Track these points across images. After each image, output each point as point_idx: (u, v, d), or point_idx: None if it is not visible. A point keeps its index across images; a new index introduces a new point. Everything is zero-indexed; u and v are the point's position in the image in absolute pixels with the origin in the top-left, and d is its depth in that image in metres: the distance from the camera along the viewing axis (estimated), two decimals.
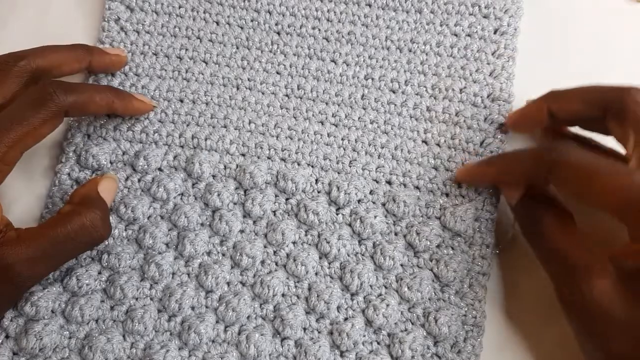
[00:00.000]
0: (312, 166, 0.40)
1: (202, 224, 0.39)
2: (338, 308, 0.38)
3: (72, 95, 0.35)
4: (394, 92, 0.42)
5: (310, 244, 0.39)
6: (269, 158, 0.40)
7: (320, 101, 0.42)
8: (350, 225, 0.39)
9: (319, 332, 0.37)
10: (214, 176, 0.40)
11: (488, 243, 0.38)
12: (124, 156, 0.41)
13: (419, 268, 0.38)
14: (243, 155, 0.41)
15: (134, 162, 0.40)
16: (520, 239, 0.38)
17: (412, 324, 0.37)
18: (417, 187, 0.40)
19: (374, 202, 0.39)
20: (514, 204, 0.36)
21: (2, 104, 0.35)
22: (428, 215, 0.39)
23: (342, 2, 0.43)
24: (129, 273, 0.38)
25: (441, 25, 0.43)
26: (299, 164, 0.40)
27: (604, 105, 0.34)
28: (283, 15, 0.43)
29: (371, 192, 0.40)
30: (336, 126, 0.41)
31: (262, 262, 0.39)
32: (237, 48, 0.43)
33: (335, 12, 0.43)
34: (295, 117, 0.41)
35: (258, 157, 0.40)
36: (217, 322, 0.37)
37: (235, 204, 0.40)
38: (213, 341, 0.37)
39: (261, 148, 0.40)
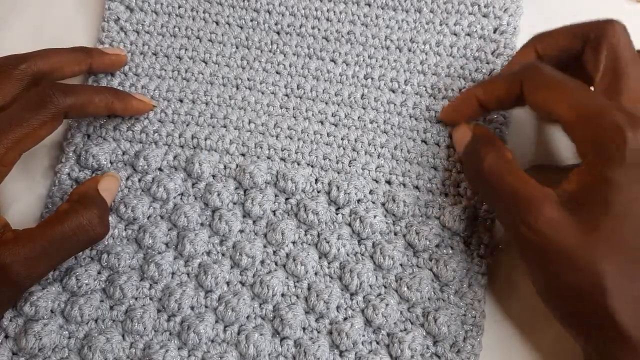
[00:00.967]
0: (312, 166, 0.40)
1: (202, 224, 0.39)
2: (337, 308, 0.38)
3: (71, 97, 0.35)
4: (393, 91, 0.42)
5: (309, 244, 0.39)
6: (268, 158, 0.40)
7: (319, 101, 0.42)
8: (349, 225, 0.39)
9: (318, 332, 0.37)
10: (213, 176, 0.40)
11: (487, 242, 0.38)
12: (124, 156, 0.41)
13: (418, 268, 0.38)
14: (243, 155, 0.41)
15: (134, 162, 0.40)
16: None
17: (412, 323, 0.37)
18: (416, 187, 0.40)
19: (373, 202, 0.39)
20: (462, 150, 0.37)
21: (1, 106, 0.35)
22: (427, 215, 0.39)
23: (342, 1, 0.43)
24: (129, 273, 0.38)
25: (440, 25, 0.43)
26: (298, 164, 0.40)
27: (585, 35, 0.35)
28: (282, 15, 0.43)
29: (371, 192, 0.40)
30: (336, 126, 0.41)
31: (262, 261, 0.39)
32: (237, 48, 0.43)
33: (334, 12, 0.43)
34: (294, 117, 0.41)
35: (258, 157, 0.40)
36: (216, 321, 0.37)
37: (235, 203, 0.40)
38: (212, 341, 0.37)
39: (261, 148, 0.40)
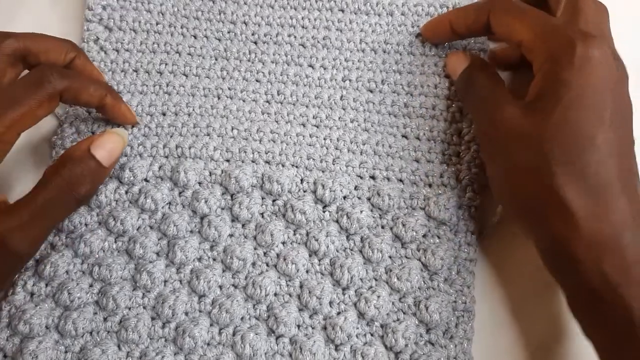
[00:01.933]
0: (297, 167, 0.41)
1: (191, 231, 0.40)
2: (330, 303, 0.38)
3: (68, 80, 0.36)
4: (371, 91, 0.43)
5: (299, 243, 0.39)
6: (253, 162, 0.41)
7: (300, 104, 0.43)
8: (337, 221, 0.40)
9: (312, 328, 0.38)
10: (200, 183, 0.41)
11: (473, 230, 0.39)
12: None
13: (407, 259, 0.39)
14: (227, 160, 0.41)
15: (119, 174, 0.41)
16: (505, 224, 0.39)
17: (404, 313, 0.38)
18: (400, 180, 0.41)
19: (359, 198, 0.40)
20: (458, 76, 0.40)
21: None
22: (413, 207, 0.40)
23: (316, 9, 0.45)
24: (121, 283, 0.38)
25: (412, 27, 0.44)
26: (283, 166, 0.41)
27: None
28: (259, 25, 0.44)
29: (356, 188, 0.40)
30: (317, 127, 0.42)
31: (253, 263, 0.39)
32: (216, 59, 0.44)
33: (309, 19, 0.44)
34: (277, 121, 0.42)
35: (242, 162, 0.41)
36: (211, 325, 0.38)
37: (222, 209, 0.40)
38: (208, 344, 0.37)
39: (245, 152, 0.41)
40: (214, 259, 0.39)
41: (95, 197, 0.40)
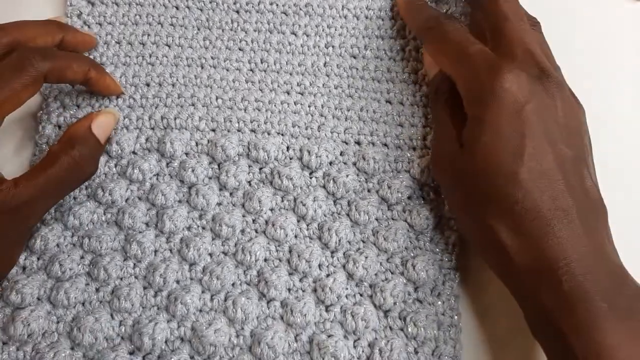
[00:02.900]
0: (282, 134, 0.41)
1: (179, 201, 0.40)
2: (319, 266, 0.39)
3: (50, 61, 0.36)
4: (354, 57, 0.43)
5: (287, 209, 0.40)
6: (239, 130, 0.41)
7: (284, 72, 0.43)
8: (324, 186, 0.40)
9: (303, 291, 0.38)
10: (186, 154, 0.41)
11: None
12: None
13: (393, 220, 0.39)
14: (213, 130, 0.41)
15: (107, 148, 0.41)
16: None
17: (392, 273, 0.38)
18: (385, 145, 0.41)
19: (345, 163, 0.41)
20: (432, 75, 0.40)
21: None
22: (397, 170, 0.40)
23: None
24: (111, 254, 0.38)
25: None
26: (269, 134, 0.41)
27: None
28: None
29: (341, 154, 0.41)
30: (302, 94, 0.42)
31: (242, 230, 0.39)
32: (199, 29, 0.44)
33: None
34: (261, 90, 0.42)
35: (228, 131, 0.41)
36: (202, 292, 0.38)
37: (210, 178, 0.41)
38: (200, 310, 0.38)
39: (230, 121, 0.41)
40: (203, 228, 0.40)
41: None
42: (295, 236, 0.39)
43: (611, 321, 0.29)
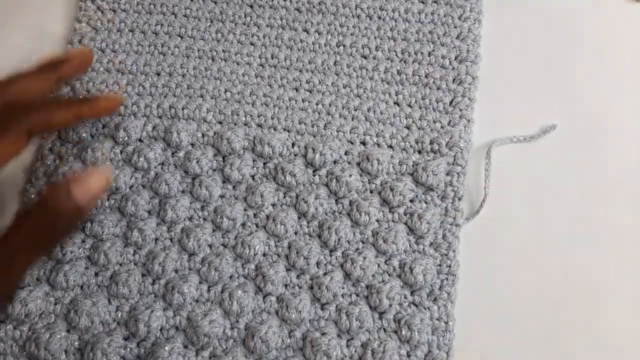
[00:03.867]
0: (288, 130, 0.41)
1: (182, 191, 0.40)
2: (317, 264, 0.39)
3: (32, 115, 0.35)
4: (365, 57, 0.43)
5: (289, 205, 0.40)
6: (245, 124, 0.41)
7: (294, 69, 0.43)
8: (327, 185, 0.40)
9: (299, 288, 0.38)
10: (192, 144, 0.41)
11: (460, 195, 0.39)
12: (104, 129, 0.42)
13: (394, 222, 0.39)
14: (220, 122, 0.42)
15: (114, 134, 0.41)
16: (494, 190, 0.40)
17: (389, 275, 0.38)
18: (390, 146, 0.41)
19: (349, 162, 0.41)
20: None
21: None
22: (401, 172, 0.40)
23: None
24: (112, 240, 0.39)
25: None
26: (275, 129, 0.41)
27: None
28: None
29: (346, 153, 0.41)
30: (310, 92, 0.42)
31: (243, 224, 0.40)
32: (212, 22, 0.44)
33: None
34: (270, 85, 0.42)
35: (235, 124, 0.41)
36: (200, 282, 0.38)
37: (214, 170, 0.41)
38: (197, 301, 0.38)
39: (237, 115, 0.42)
40: (205, 219, 0.40)
41: (91, 154, 0.40)
42: (295, 233, 0.39)
43: None
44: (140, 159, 0.40)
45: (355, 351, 0.37)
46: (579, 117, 0.42)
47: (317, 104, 0.42)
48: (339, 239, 0.39)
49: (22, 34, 0.46)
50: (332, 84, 0.42)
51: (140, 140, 0.41)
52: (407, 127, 0.41)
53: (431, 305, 0.38)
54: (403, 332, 0.37)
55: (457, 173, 0.40)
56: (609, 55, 0.44)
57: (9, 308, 0.37)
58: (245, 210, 0.40)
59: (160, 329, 0.37)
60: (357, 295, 0.38)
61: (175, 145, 0.41)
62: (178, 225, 0.40)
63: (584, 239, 0.40)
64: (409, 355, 0.36)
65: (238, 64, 0.43)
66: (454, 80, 0.42)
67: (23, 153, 0.35)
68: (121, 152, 0.41)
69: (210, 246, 0.39)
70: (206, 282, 0.38)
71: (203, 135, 0.41)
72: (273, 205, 0.40)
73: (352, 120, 0.42)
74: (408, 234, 0.39)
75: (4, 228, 0.31)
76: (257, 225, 0.40)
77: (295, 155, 0.41)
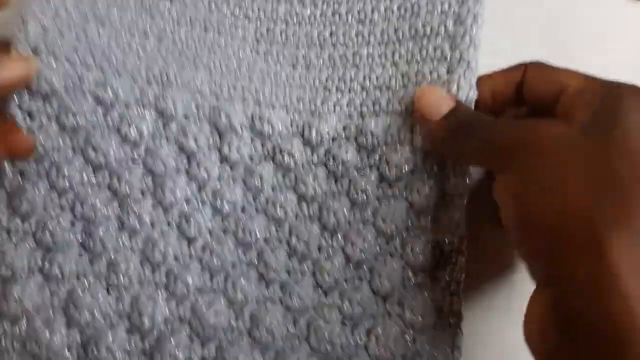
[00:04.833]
0: (286, 109, 0.40)
1: (177, 169, 0.38)
2: (319, 248, 0.38)
3: None
4: (361, 22, 0.41)
5: (288, 187, 0.39)
6: (243, 100, 0.39)
7: (290, 44, 0.41)
8: (325, 164, 0.39)
9: (302, 274, 0.38)
10: (185, 116, 0.39)
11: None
12: (81, 83, 0.37)
13: (394, 199, 0.38)
14: (216, 95, 0.39)
15: (95, 91, 0.37)
16: None
17: (391, 256, 0.38)
18: (387, 113, 0.39)
19: (347, 139, 0.39)
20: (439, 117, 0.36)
21: None
22: (400, 140, 0.38)
23: None
24: (105, 224, 0.37)
25: None
26: (273, 107, 0.40)
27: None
28: None
29: (344, 128, 0.39)
30: (307, 68, 0.40)
31: (243, 208, 0.39)
32: None
33: None
34: (266, 61, 0.40)
35: (232, 98, 0.39)
36: (202, 270, 0.38)
37: (210, 149, 0.39)
38: (200, 290, 0.37)
39: (234, 89, 0.39)
40: (202, 202, 0.38)
41: (72, 118, 0.37)
42: (296, 216, 0.39)
43: None
44: (131, 129, 0.37)
45: (360, 338, 0.37)
46: None
47: (314, 80, 0.40)
48: (337, 221, 0.38)
49: None
50: (328, 57, 0.40)
51: (126, 105, 0.38)
52: (404, 86, 0.39)
53: (435, 286, 0.38)
54: (407, 316, 0.37)
55: None
56: (609, 56, 0.44)
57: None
58: (244, 193, 0.39)
59: (165, 321, 0.37)
60: (360, 279, 0.38)
61: (169, 115, 0.38)
62: (175, 207, 0.38)
63: None
64: (414, 340, 0.37)
65: (232, 37, 0.40)
66: (454, 22, 0.39)
67: None
68: (104, 115, 0.38)
69: (210, 232, 0.38)
70: (208, 270, 0.38)
71: (197, 108, 0.39)
72: (272, 188, 0.39)
73: (349, 92, 0.40)
74: (408, 210, 0.38)
75: None
76: (257, 210, 0.39)
77: (293, 135, 0.39)
